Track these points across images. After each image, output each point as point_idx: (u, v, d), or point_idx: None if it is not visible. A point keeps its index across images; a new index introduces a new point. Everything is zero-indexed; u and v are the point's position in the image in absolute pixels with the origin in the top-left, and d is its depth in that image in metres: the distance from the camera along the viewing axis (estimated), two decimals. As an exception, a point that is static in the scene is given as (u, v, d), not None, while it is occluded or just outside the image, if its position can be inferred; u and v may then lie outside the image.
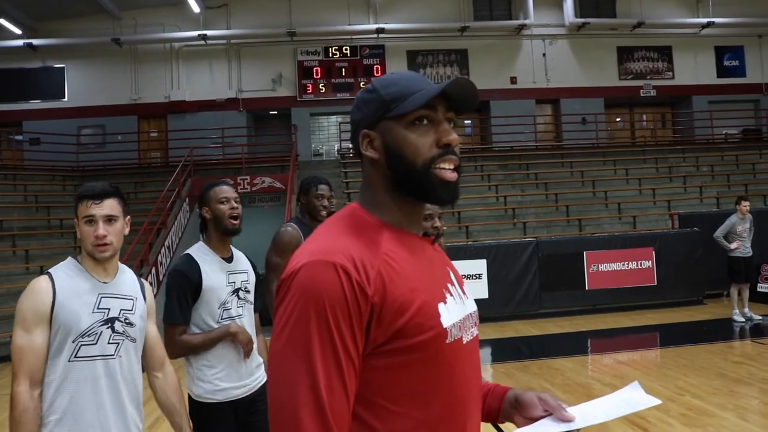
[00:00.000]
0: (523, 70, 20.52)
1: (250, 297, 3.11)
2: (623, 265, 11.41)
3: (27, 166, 17.94)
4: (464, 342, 1.28)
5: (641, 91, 21.09)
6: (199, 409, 2.93)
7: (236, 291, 3.01)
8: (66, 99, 19.33)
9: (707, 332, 9.37)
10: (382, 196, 1.30)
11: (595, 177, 16.82)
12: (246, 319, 3.05)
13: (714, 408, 5.58)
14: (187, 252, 3.06)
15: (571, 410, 1.34)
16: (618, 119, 22.32)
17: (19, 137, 19.48)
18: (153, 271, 11.86)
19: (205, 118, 19.14)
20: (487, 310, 10.73)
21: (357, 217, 1.28)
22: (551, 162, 18.26)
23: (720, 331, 9.43)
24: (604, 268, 11.36)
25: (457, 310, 1.28)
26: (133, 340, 2.36)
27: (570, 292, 11.29)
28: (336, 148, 19.62)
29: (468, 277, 10.64)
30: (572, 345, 9.11)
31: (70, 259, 2.37)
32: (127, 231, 2.38)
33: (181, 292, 2.90)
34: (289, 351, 1.11)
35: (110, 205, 2.30)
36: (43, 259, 12.73)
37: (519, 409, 1.40)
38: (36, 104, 19.32)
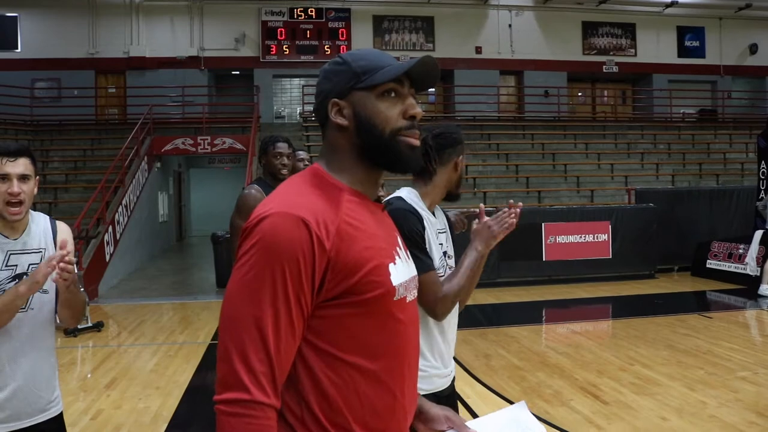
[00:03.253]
0: (489, 41, 20.52)
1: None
2: (580, 237, 11.63)
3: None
4: (407, 301, 1.39)
5: (604, 66, 21.32)
6: None
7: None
8: (19, 50, 18.63)
9: (658, 305, 9.64)
10: (346, 161, 1.38)
11: (555, 150, 17.02)
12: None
13: (663, 378, 5.77)
14: None
15: (470, 424, 1.55)
16: (580, 94, 22.56)
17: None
18: (110, 229, 11.67)
19: (166, 76, 18.71)
20: (445, 278, 10.88)
21: (320, 177, 1.35)
22: (513, 133, 18.41)
23: (670, 304, 9.72)
24: (562, 240, 11.55)
25: (403, 272, 1.39)
26: (45, 292, 2.33)
27: (527, 262, 11.45)
28: (298, 111, 19.43)
29: (428, 244, 10.71)
30: (528, 314, 9.29)
31: None
32: (35, 191, 2.34)
33: None
34: (244, 292, 1.20)
35: (24, 164, 2.27)
36: (-6, 213, 12.39)
37: (424, 421, 1.58)
38: (-11, 54, 18.59)
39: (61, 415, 2.43)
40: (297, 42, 19.50)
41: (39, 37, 18.50)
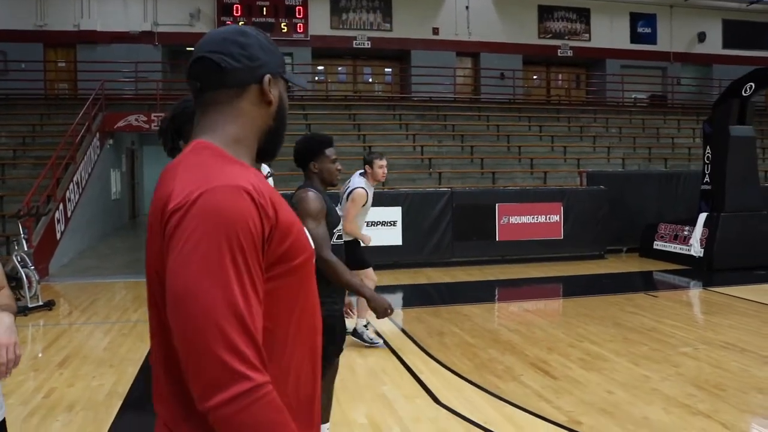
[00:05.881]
0: (446, 22, 20.58)
1: None
2: (532, 218, 11.84)
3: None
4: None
5: (559, 50, 21.61)
6: None
7: None
8: (-38, 20, 17.99)
9: (607, 284, 9.92)
10: (246, 135, 1.35)
11: (510, 132, 17.21)
12: None
13: (609, 354, 5.97)
14: None
15: None
16: (535, 77, 22.84)
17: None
18: (60, 206, 11.44)
19: (118, 51, 18.27)
20: (400, 257, 11.03)
21: (217, 153, 1.28)
22: (468, 115, 18.55)
23: (618, 283, 10.01)
24: (515, 221, 11.74)
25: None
26: None
27: (481, 242, 11.62)
28: (255, 90, 19.18)
29: (383, 224, 10.79)
30: (481, 293, 9.43)
31: None
32: None
33: None
34: (207, 277, 1.12)
35: None
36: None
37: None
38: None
39: (3, 421, 2.21)
40: (253, 19, 19.22)
41: (-16, 9, 17.84)
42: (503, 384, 5.19)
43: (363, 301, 6.37)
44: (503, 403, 4.76)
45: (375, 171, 6.00)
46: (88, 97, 15.07)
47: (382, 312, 3.34)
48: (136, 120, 15.55)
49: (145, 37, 18.72)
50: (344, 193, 6.06)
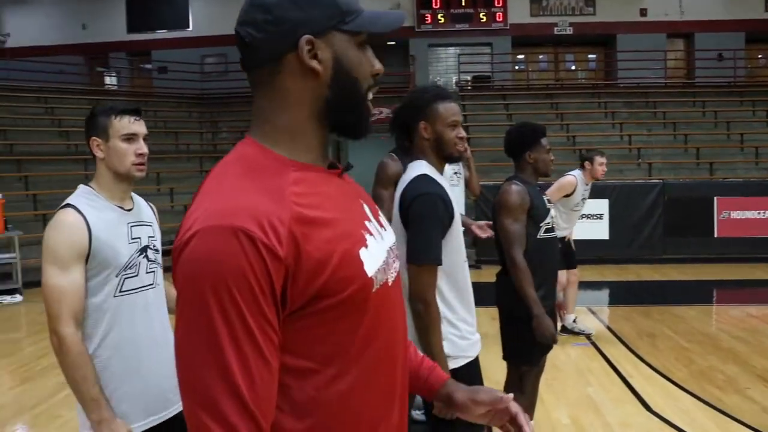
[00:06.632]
0: (655, 2, 19.13)
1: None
2: (759, 213, 10.69)
3: (156, 93, 18.80)
4: (389, 284, 1.15)
5: (791, 25, 19.33)
6: None
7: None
8: (190, 28, 19.86)
9: None
10: (300, 122, 1.10)
11: (730, 118, 15.68)
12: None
13: None
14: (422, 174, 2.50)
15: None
16: (760, 56, 20.62)
17: (149, 66, 20.39)
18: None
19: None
20: (606, 251, 10.55)
21: (254, 158, 1.07)
22: (681, 101, 17.18)
23: None
24: (737, 216, 10.68)
25: (378, 251, 1.13)
26: (160, 266, 2.27)
27: (697, 238, 10.74)
28: (454, 80, 19.26)
29: (588, 216, 10.28)
30: (697, 294, 8.71)
31: (83, 187, 2.18)
32: None
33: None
34: (194, 339, 0.96)
35: (144, 124, 2.24)
36: (171, 181, 13.41)
37: (456, 410, 1.34)
38: (163, 34, 19.96)
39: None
40: (452, 10, 19.27)
41: (207, 16, 19.55)
42: (725, 396, 4.70)
43: (570, 295, 6.19)
44: (727, 418, 4.30)
45: (595, 168, 5.84)
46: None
47: (542, 337, 3.11)
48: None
49: (347, 33, 19.45)
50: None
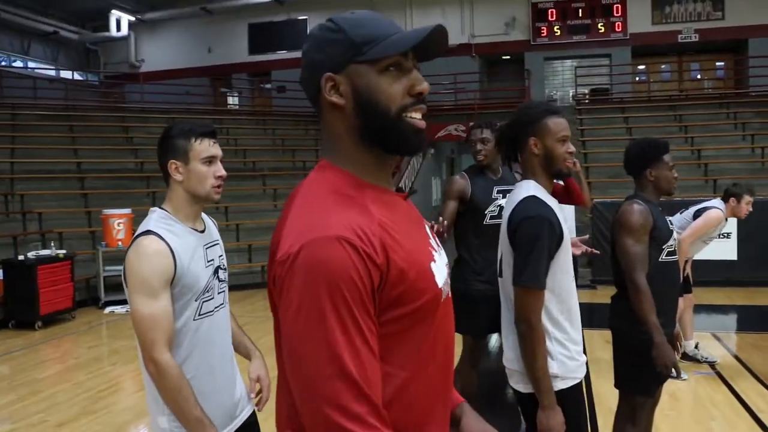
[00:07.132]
0: (792, 3, 17.95)
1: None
2: None
3: (275, 112, 19.55)
4: (449, 297, 1.29)
5: None
6: None
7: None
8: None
9: None
10: (350, 149, 1.21)
11: None
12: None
13: None
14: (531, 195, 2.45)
15: None
16: None
17: (268, 86, 21.30)
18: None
19: (438, 64, 19.19)
20: (734, 273, 9.89)
21: (333, 180, 1.18)
22: (824, 109, 15.94)
23: None
24: None
25: (441, 266, 1.26)
26: (227, 286, 2.31)
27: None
28: (571, 94, 18.81)
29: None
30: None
31: (159, 211, 2.21)
32: None
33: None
34: (309, 337, 1.05)
35: (219, 146, 2.24)
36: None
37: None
38: (282, 55, 20.70)
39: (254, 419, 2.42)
40: (568, 22, 18.85)
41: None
42: None
43: (686, 319, 5.83)
44: None
45: (741, 207, 5.43)
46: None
47: (663, 367, 2.91)
48: (455, 130, 16.24)
49: (462, 49, 19.41)
50: (693, 208, 5.59)
